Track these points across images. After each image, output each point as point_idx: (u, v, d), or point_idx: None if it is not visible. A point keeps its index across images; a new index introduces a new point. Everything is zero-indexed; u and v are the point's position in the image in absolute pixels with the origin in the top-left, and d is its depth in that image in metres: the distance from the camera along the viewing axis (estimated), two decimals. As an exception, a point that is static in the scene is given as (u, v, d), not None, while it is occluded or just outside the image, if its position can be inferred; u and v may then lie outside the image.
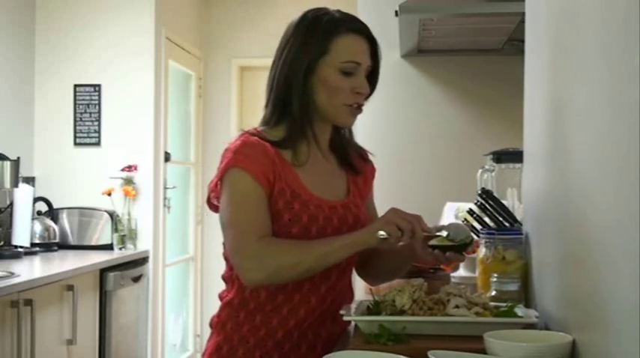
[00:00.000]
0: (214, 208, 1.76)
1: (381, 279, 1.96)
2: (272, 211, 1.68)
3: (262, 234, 1.65)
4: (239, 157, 1.67)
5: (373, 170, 1.93)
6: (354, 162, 1.85)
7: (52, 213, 4.55)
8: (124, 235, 4.60)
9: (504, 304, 1.69)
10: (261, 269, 1.63)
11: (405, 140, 3.70)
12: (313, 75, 1.70)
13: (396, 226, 1.61)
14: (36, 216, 4.47)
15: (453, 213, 2.97)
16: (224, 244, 1.78)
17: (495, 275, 1.85)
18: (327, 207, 1.73)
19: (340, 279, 1.79)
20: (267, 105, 1.77)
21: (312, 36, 1.71)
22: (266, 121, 1.76)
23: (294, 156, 1.73)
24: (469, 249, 1.73)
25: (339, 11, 1.76)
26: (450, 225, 1.74)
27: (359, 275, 1.95)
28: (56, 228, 4.50)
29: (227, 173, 1.68)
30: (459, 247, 1.70)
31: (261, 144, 1.70)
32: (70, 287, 3.64)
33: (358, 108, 1.76)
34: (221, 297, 1.81)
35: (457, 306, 1.62)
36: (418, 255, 1.75)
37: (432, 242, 1.71)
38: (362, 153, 1.90)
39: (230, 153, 1.69)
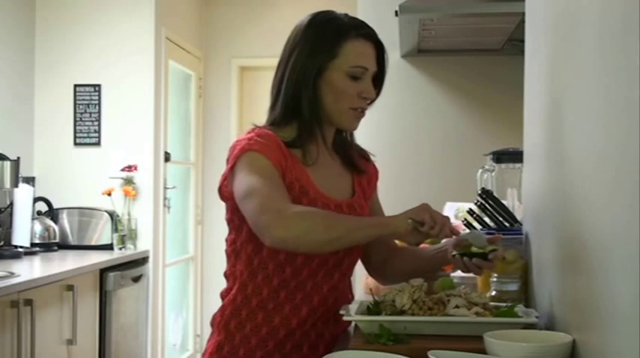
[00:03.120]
0: (225, 197, 1.74)
1: (397, 281, 1.94)
2: None
3: (288, 201, 1.62)
4: (254, 143, 1.67)
5: (376, 171, 1.94)
6: (356, 163, 1.86)
7: (52, 213, 4.55)
8: (124, 235, 4.59)
9: (504, 304, 1.69)
10: (291, 227, 1.55)
11: (404, 140, 3.71)
12: (322, 78, 1.71)
13: (429, 215, 1.59)
14: (36, 216, 4.47)
15: (453, 213, 2.97)
16: (227, 240, 1.79)
17: (495, 275, 1.85)
18: (334, 205, 1.74)
19: (342, 279, 1.79)
20: (273, 106, 1.77)
21: (323, 39, 1.71)
22: (276, 122, 1.76)
23: (303, 155, 1.74)
24: (490, 256, 1.68)
25: (347, 15, 1.77)
26: (470, 233, 1.73)
27: (371, 273, 1.95)
28: (56, 228, 4.50)
29: (242, 157, 1.66)
30: (483, 254, 1.68)
31: (275, 136, 1.71)
32: (70, 287, 3.64)
33: (362, 113, 1.77)
34: (222, 295, 1.81)
35: (457, 306, 1.62)
36: (449, 260, 1.74)
37: (457, 250, 1.70)
38: (363, 154, 1.91)
39: (244, 140, 1.69)
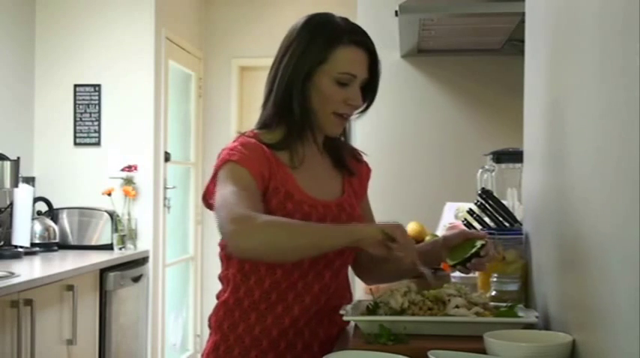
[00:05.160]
0: (209, 205, 1.75)
1: (380, 281, 1.96)
2: (264, 210, 1.68)
3: (255, 211, 1.60)
4: (234, 153, 1.69)
5: (368, 171, 1.93)
6: (347, 164, 1.86)
7: (52, 213, 4.55)
8: (124, 235, 4.59)
9: (504, 304, 1.69)
10: (254, 237, 1.54)
11: (404, 140, 3.70)
12: (310, 81, 1.71)
13: (402, 235, 1.57)
14: (36, 216, 4.47)
15: (452, 213, 2.97)
16: (220, 245, 1.79)
17: (495, 275, 1.85)
18: (321, 206, 1.74)
19: (334, 279, 1.78)
20: (265, 105, 1.78)
21: (314, 42, 1.71)
22: (266, 123, 1.77)
23: (290, 157, 1.75)
24: (482, 253, 1.72)
25: (344, 20, 1.76)
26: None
27: (356, 274, 1.95)
28: (56, 228, 4.50)
29: (222, 168, 1.69)
30: (476, 253, 1.72)
31: (258, 145, 1.72)
32: (70, 287, 3.64)
33: (346, 119, 1.77)
34: (218, 297, 1.83)
35: (457, 306, 1.62)
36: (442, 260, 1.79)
37: (452, 262, 1.74)
38: (355, 154, 1.90)
39: (226, 151, 1.71)
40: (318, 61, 1.70)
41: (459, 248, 1.75)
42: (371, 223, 1.64)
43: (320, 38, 1.71)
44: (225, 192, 1.64)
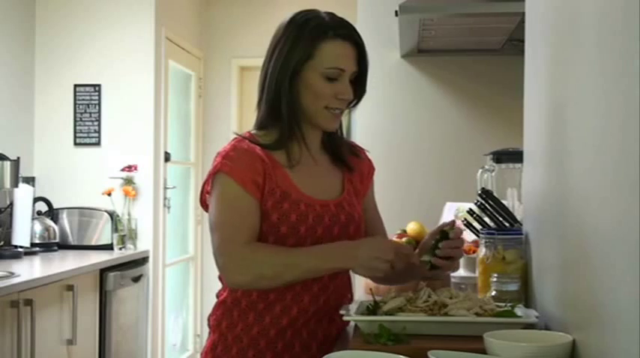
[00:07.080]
0: (205, 207, 1.79)
1: (390, 283, 1.98)
2: (261, 211, 1.69)
3: (248, 238, 1.67)
4: (225, 162, 1.69)
5: (371, 168, 1.93)
6: (347, 160, 1.85)
7: (52, 213, 4.55)
8: (124, 235, 4.59)
9: (504, 304, 1.69)
10: (244, 273, 1.65)
11: (404, 140, 3.70)
12: (298, 78, 1.71)
13: (384, 261, 1.65)
14: (36, 216, 4.47)
15: (452, 213, 2.97)
16: None
17: (495, 275, 1.85)
18: (319, 205, 1.74)
19: (333, 279, 1.79)
20: (259, 106, 1.78)
21: (299, 40, 1.71)
22: (261, 124, 1.77)
23: (286, 157, 1.75)
24: (451, 235, 1.75)
25: (329, 14, 1.75)
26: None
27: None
28: (56, 228, 4.50)
29: (215, 177, 1.71)
30: (445, 235, 1.74)
31: (251, 149, 1.71)
32: (70, 287, 3.64)
33: (340, 113, 1.77)
34: (218, 296, 1.84)
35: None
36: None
37: (422, 258, 1.77)
38: (355, 151, 1.90)
39: (219, 157, 1.72)
40: (304, 58, 1.70)
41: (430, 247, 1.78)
42: (362, 248, 1.67)
43: (305, 35, 1.71)
44: (216, 212, 1.69)
